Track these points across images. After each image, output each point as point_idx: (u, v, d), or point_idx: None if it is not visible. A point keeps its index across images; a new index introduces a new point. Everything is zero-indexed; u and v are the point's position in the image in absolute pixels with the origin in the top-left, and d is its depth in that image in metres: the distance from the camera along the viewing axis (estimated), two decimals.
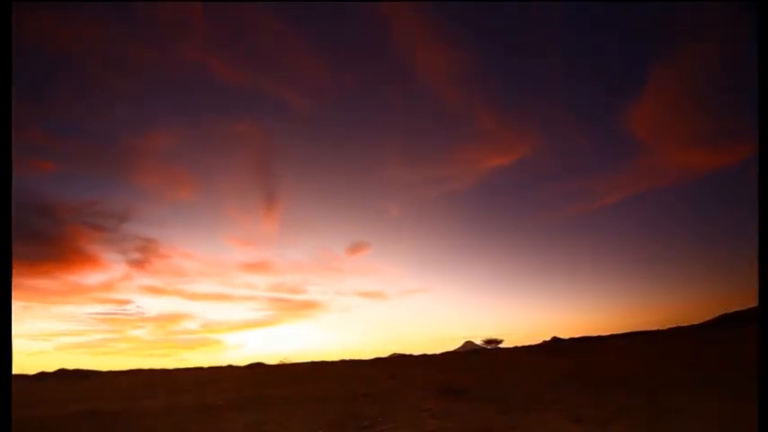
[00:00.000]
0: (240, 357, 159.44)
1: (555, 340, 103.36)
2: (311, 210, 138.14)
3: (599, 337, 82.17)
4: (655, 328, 77.16)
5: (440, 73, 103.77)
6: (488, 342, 71.21)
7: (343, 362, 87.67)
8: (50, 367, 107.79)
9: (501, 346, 70.01)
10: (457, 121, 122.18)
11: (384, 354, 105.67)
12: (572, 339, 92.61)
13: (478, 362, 36.50)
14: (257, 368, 77.40)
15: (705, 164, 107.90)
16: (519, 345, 73.74)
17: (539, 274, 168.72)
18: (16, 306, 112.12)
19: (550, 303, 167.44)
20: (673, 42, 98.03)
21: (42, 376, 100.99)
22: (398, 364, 48.92)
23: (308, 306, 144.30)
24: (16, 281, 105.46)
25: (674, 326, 69.23)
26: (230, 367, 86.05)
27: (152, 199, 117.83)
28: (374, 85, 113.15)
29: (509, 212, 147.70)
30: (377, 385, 20.13)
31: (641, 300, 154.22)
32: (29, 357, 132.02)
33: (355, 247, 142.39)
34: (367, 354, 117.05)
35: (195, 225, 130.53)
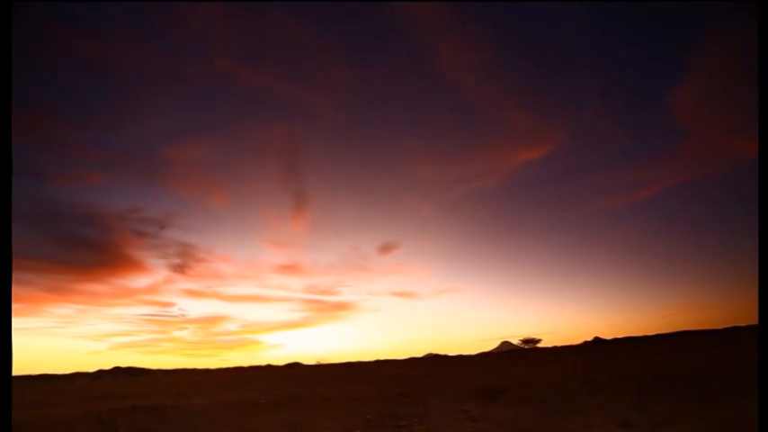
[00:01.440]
0: (278, 357, 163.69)
1: (597, 340, 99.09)
2: (341, 210, 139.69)
3: (644, 338, 77.98)
4: (704, 328, 72.21)
5: (465, 67, 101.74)
6: (526, 342, 69.35)
7: (377, 362, 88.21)
8: (107, 365, 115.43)
9: (539, 346, 68.00)
10: (485, 116, 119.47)
11: (419, 354, 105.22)
12: (615, 340, 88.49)
13: (516, 362, 35.66)
14: (295, 368, 79.39)
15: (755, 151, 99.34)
16: (558, 345, 71.30)
17: (578, 272, 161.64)
18: (73, 309, 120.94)
19: (591, 302, 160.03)
20: (718, 20, 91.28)
21: (100, 374, 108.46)
22: (434, 365, 48.64)
23: (342, 307, 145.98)
24: (74, 286, 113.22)
25: (728, 326, 64.46)
26: (269, 367, 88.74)
27: (189, 206, 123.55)
28: (400, 84, 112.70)
29: (543, 207, 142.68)
30: (412, 386, 20.14)
31: (689, 298, 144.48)
32: (87, 356, 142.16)
33: (386, 247, 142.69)
34: (401, 354, 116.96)
35: (230, 229, 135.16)
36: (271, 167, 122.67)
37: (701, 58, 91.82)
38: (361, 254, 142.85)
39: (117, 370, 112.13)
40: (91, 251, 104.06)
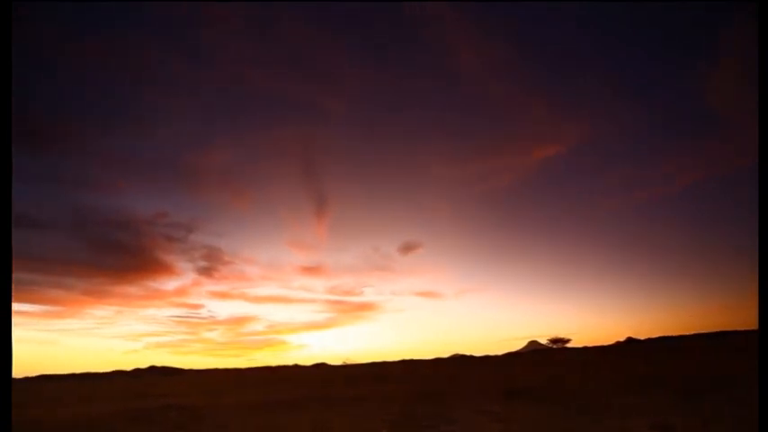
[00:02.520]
0: (305, 357, 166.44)
1: (630, 341, 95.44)
2: (361, 211, 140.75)
3: (680, 337, 74.55)
4: (746, 328, 68.11)
5: (480, 65, 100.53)
6: (554, 342, 67.58)
7: (403, 362, 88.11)
8: (143, 364, 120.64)
9: (568, 346, 66.13)
10: (501, 113, 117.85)
11: (444, 354, 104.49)
12: (649, 340, 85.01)
13: (544, 362, 34.83)
14: (321, 368, 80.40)
15: None
16: (588, 345, 69.13)
17: (608, 269, 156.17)
18: (110, 311, 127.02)
19: (623, 300, 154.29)
20: (745, 11, 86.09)
21: (137, 372, 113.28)
22: (459, 365, 48.15)
23: (365, 307, 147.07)
24: (109, 289, 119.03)
25: None
26: (296, 367, 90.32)
27: (213, 210, 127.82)
28: (416, 84, 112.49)
29: (565, 203, 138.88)
30: (438, 386, 19.99)
31: (729, 297, 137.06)
32: (124, 355, 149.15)
33: (407, 247, 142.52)
34: (427, 354, 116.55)
35: (253, 233, 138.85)
36: (291, 170, 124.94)
37: (731, 45, 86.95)
38: (382, 254, 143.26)
39: (153, 369, 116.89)
40: (124, 255, 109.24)
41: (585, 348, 65.50)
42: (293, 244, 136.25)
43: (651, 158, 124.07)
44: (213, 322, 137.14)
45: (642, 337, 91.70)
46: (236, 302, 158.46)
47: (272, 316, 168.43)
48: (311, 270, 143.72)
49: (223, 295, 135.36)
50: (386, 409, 13.18)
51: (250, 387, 27.62)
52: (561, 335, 68.73)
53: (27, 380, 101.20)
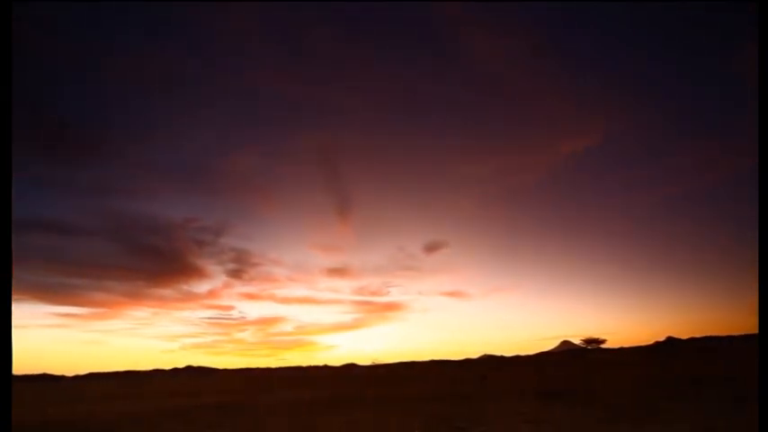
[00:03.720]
0: (335, 357, 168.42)
1: (669, 340, 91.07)
2: (384, 211, 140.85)
3: (724, 338, 70.46)
4: None
5: (503, 61, 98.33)
6: (588, 342, 65.36)
7: (432, 362, 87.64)
8: (181, 364, 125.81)
9: (603, 346, 63.83)
10: (524, 107, 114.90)
11: (474, 354, 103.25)
12: (692, 339, 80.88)
13: (578, 363, 33.87)
14: (351, 368, 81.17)
15: None
16: (625, 345, 66.53)
17: (644, 266, 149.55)
18: (148, 313, 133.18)
19: (662, 299, 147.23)
20: None
21: (175, 372, 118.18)
22: (489, 365, 47.50)
23: (392, 308, 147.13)
24: (146, 291, 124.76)
25: None
26: (326, 367, 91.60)
27: (241, 213, 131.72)
28: (435, 81, 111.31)
29: (600, 199, 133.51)
30: (468, 386, 19.86)
31: None
32: (162, 355, 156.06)
33: (432, 246, 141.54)
34: (456, 354, 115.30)
35: (280, 235, 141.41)
36: (315, 173, 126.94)
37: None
38: (407, 254, 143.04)
39: (189, 368, 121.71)
40: (158, 259, 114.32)
41: (622, 349, 63.13)
42: (319, 246, 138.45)
43: (688, 150, 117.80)
44: (244, 323, 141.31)
45: (684, 337, 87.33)
46: (266, 303, 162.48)
47: (301, 317, 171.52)
48: (337, 271, 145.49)
49: (252, 297, 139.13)
50: (417, 409, 13.25)
51: (282, 386, 28.33)
52: (596, 335, 66.40)
53: (77, 378, 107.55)
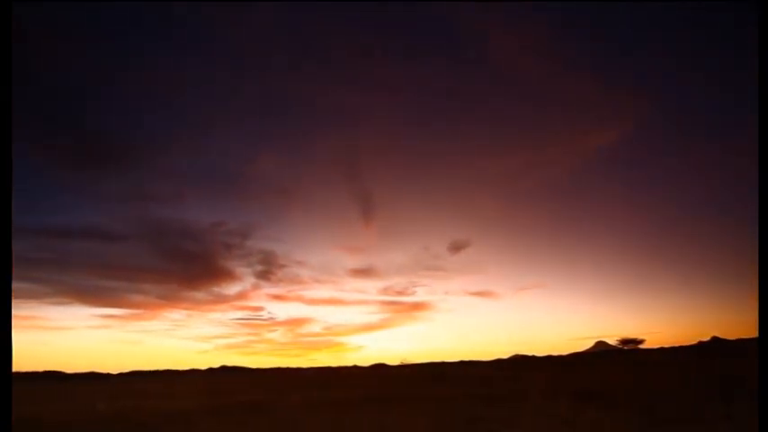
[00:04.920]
0: (363, 358, 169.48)
1: (715, 341, 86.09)
2: (408, 211, 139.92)
3: None
4: None
5: (523, 51, 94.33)
6: (625, 342, 62.82)
7: (462, 362, 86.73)
8: (215, 363, 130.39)
9: (641, 346, 61.14)
10: (549, 98, 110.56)
11: (504, 355, 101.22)
12: (740, 340, 76.12)
13: (614, 364, 32.67)
14: (380, 369, 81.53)
15: None
16: (665, 345, 63.39)
17: (686, 262, 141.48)
18: (182, 314, 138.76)
19: (706, 296, 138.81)
20: None
21: (210, 371, 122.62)
22: (521, 366, 46.54)
23: (419, 308, 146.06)
24: (180, 294, 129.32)
25: None
26: (355, 367, 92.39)
27: (266, 215, 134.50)
28: (455, 77, 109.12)
29: (631, 191, 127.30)
30: (499, 388, 19.56)
31: None
32: (198, 355, 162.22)
33: (456, 245, 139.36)
34: (486, 354, 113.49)
35: (304, 236, 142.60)
36: (338, 174, 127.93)
37: None
38: (432, 254, 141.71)
39: (224, 368, 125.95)
40: (189, 262, 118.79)
41: (662, 349, 60.28)
42: (343, 247, 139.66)
43: (729, 136, 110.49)
44: (273, 323, 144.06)
45: (731, 338, 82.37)
46: (293, 305, 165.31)
47: (328, 318, 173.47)
48: (362, 272, 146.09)
49: (280, 298, 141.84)
50: (447, 410, 13.20)
51: (312, 386, 28.83)
52: (633, 335, 63.70)
53: (121, 375, 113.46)
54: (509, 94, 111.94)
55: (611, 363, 35.59)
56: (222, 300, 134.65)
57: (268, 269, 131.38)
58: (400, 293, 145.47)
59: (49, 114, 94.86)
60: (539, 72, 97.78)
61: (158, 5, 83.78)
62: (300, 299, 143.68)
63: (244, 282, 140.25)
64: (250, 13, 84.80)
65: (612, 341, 71.33)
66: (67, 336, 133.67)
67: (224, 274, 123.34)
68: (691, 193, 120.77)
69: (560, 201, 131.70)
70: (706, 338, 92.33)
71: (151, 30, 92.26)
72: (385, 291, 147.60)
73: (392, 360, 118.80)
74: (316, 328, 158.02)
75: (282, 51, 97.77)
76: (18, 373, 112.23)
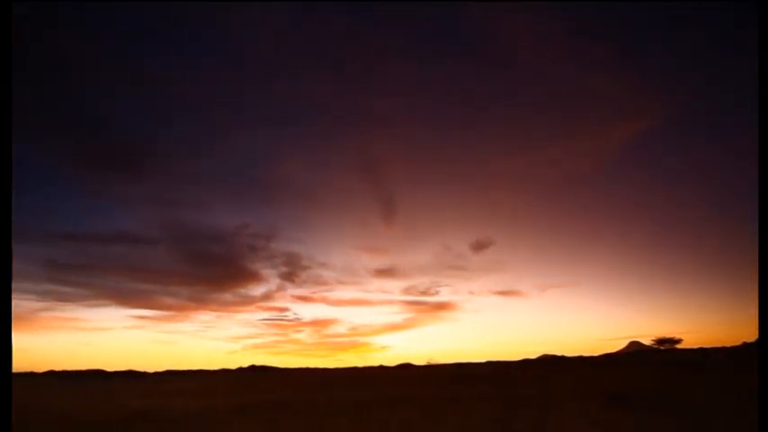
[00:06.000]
0: (389, 357, 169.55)
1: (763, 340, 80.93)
2: (428, 211, 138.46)
3: None
4: None
5: (540, 43, 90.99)
6: (660, 342, 60.12)
7: (489, 363, 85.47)
8: (244, 363, 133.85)
9: (678, 347, 58.32)
10: (572, 90, 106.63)
11: (532, 355, 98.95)
12: None
13: (649, 365, 31.39)
14: (407, 369, 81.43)
15: None
16: (706, 346, 60.20)
17: (727, 257, 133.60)
18: (211, 316, 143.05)
19: (751, 294, 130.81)
20: None
21: (240, 371, 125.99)
22: (550, 366, 45.42)
23: (444, 308, 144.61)
24: (208, 296, 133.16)
25: None
26: (381, 367, 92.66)
27: (289, 218, 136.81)
28: (474, 74, 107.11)
29: (663, 182, 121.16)
30: (528, 388, 19.16)
31: None
32: (227, 355, 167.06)
33: (479, 244, 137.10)
34: (513, 355, 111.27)
35: (327, 237, 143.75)
36: (358, 176, 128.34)
37: None
38: (454, 253, 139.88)
39: (253, 368, 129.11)
40: (216, 265, 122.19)
41: (702, 350, 57.35)
42: (365, 248, 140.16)
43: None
44: (299, 324, 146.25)
45: None
46: (318, 306, 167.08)
47: (353, 318, 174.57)
48: (385, 272, 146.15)
49: (305, 299, 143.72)
50: (475, 411, 13.05)
51: (339, 386, 29.12)
52: (669, 334, 60.86)
53: (156, 374, 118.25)
54: (532, 91, 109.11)
55: (645, 364, 34.21)
56: (249, 301, 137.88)
57: (292, 270, 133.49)
58: (424, 293, 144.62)
59: (83, 124, 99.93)
60: (561, 64, 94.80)
61: (183, 12, 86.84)
62: (325, 300, 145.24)
63: (269, 283, 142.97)
64: (272, 19, 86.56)
65: (647, 341, 68.52)
66: (107, 336, 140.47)
67: (249, 276, 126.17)
68: (734, 186, 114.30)
69: (589, 195, 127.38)
70: (751, 340, 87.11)
71: (179, 37, 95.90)
72: (408, 291, 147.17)
73: (418, 360, 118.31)
74: (341, 329, 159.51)
75: (304, 56, 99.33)
76: (65, 372, 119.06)
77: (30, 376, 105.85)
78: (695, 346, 61.64)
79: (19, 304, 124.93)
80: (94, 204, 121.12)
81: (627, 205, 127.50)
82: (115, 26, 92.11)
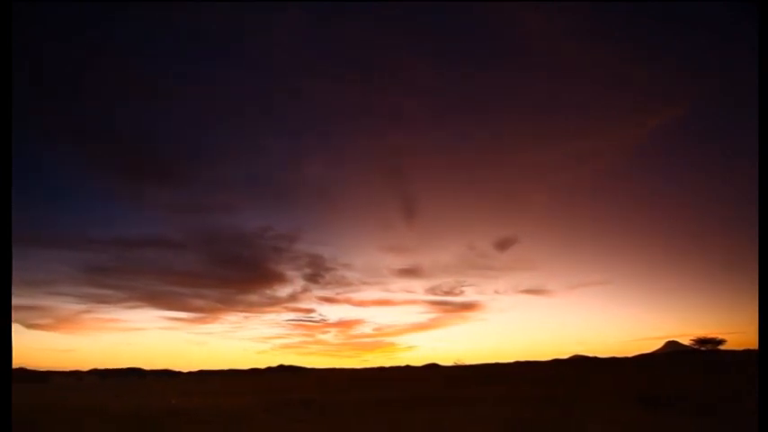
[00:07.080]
0: (416, 358, 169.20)
1: None
2: (450, 210, 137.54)
3: None
4: None
5: (560, 35, 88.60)
6: (701, 342, 57.09)
7: (517, 363, 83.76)
8: (273, 363, 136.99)
9: (721, 348, 55.21)
10: (600, 83, 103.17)
11: (563, 355, 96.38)
12: None
13: (688, 367, 29.96)
14: (433, 369, 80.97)
15: None
16: (751, 348, 56.71)
17: None
18: (240, 317, 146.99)
19: None
20: None
21: (269, 370, 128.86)
22: (581, 367, 44.15)
23: (470, 307, 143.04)
24: (236, 298, 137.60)
25: None
26: (408, 367, 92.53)
27: (311, 219, 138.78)
28: (495, 69, 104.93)
29: (698, 173, 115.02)
30: (557, 390, 18.71)
31: None
32: (256, 355, 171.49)
33: (503, 243, 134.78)
34: (543, 355, 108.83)
35: (350, 238, 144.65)
36: (380, 176, 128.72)
37: None
38: (478, 252, 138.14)
39: (281, 367, 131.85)
40: (243, 267, 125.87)
41: (747, 351, 54.20)
42: (388, 248, 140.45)
43: None
44: (325, 325, 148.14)
45: None
46: (343, 306, 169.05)
47: (378, 319, 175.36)
48: (409, 272, 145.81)
49: (330, 300, 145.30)
50: (500, 412, 12.87)
51: (366, 386, 29.31)
52: (711, 335, 57.67)
53: (191, 374, 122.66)
54: (557, 83, 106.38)
55: (684, 365, 32.68)
56: (275, 302, 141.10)
57: (316, 272, 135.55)
58: (448, 293, 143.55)
59: (121, 136, 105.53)
60: (581, 53, 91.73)
61: (212, 21, 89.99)
62: (349, 301, 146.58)
63: (294, 284, 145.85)
64: (296, 23, 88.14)
65: (686, 341, 65.29)
66: (143, 336, 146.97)
67: (275, 278, 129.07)
68: None
69: (619, 189, 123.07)
70: None
71: (205, 46, 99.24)
72: (432, 290, 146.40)
73: (444, 360, 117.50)
74: (366, 329, 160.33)
75: (324, 59, 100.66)
76: (107, 371, 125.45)
77: (75, 375, 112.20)
78: (740, 348, 58.33)
79: (63, 306, 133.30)
80: (128, 210, 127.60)
81: (661, 199, 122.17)
82: (148, 37, 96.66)
